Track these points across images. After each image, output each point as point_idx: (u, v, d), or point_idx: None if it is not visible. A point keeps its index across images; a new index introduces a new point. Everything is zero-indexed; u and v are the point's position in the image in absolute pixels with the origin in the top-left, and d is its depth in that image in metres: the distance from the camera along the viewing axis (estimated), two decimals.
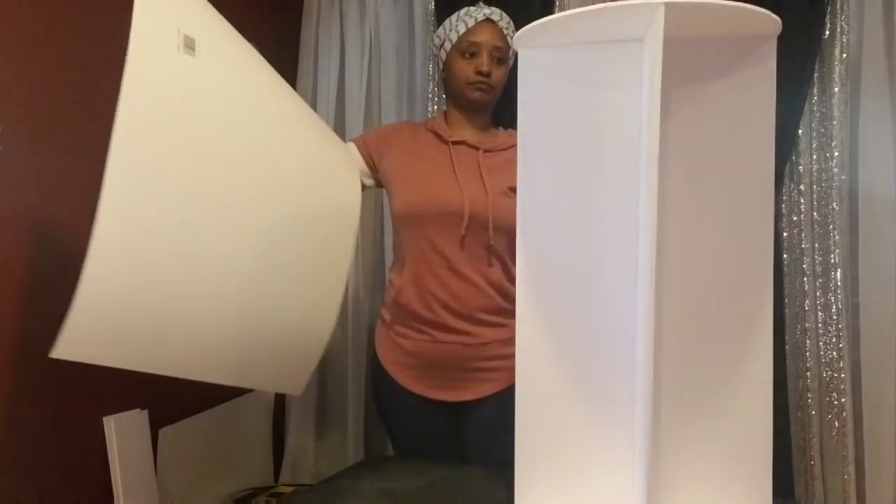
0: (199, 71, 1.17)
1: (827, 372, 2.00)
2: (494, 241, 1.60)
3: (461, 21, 1.67)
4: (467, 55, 1.65)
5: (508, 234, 1.61)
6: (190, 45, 1.16)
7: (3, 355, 1.42)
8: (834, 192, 1.99)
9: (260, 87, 1.34)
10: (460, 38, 1.65)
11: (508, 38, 1.67)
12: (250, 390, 2.20)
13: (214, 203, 1.17)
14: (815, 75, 2.01)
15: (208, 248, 1.17)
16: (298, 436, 2.40)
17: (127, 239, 1.06)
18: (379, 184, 1.76)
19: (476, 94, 1.66)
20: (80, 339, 1.09)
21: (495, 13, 1.68)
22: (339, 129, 2.41)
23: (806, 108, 2.00)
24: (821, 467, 2.01)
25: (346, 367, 2.37)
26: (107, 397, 1.66)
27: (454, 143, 1.68)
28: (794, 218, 2.04)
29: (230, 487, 2.08)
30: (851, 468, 1.98)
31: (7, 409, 1.43)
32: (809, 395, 2.02)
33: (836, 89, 1.99)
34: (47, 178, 1.52)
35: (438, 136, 1.71)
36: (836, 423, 1.99)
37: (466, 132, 1.71)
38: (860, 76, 1.97)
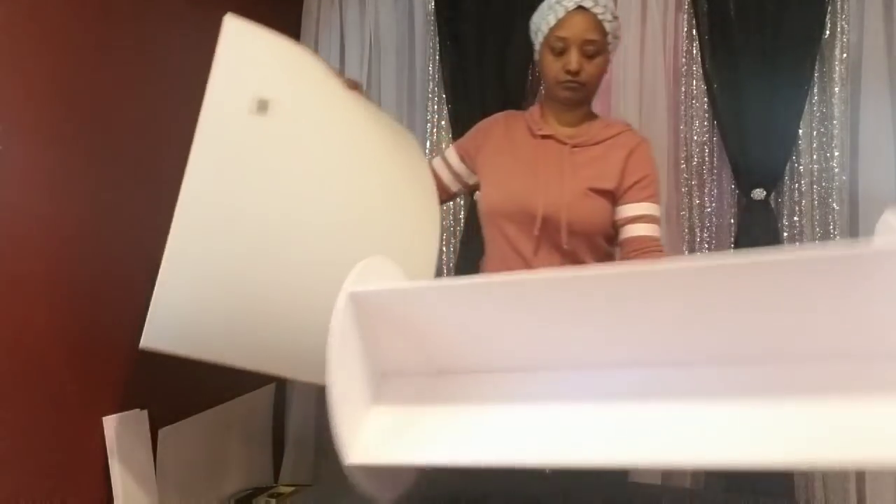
0: (268, 132, 1.27)
1: None
2: (568, 243, 1.52)
3: (551, 11, 1.53)
4: (556, 51, 1.53)
5: (585, 236, 1.55)
6: (263, 106, 1.26)
7: (3, 355, 1.42)
8: (834, 192, 1.99)
9: (339, 141, 1.42)
10: (549, 33, 1.53)
11: (605, 23, 1.52)
12: (250, 391, 2.20)
13: (287, 238, 1.30)
14: (815, 75, 2.00)
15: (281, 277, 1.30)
16: (298, 436, 2.40)
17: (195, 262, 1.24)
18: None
19: (565, 94, 1.56)
20: (162, 331, 1.26)
21: None
22: None
23: (806, 108, 2.00)
24: None
25: None
26: (107, 397, 1.66)
27: (543, 137, 1.60)
28: (794, 218, 2.04)
29: (230, 487, 2.08)
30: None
31: (7, 409, 1.43)
32: None
33: (836, 89, 1.99)
34: (47, 178, 1.52)
35: (530, 129, 1.63)
36: None
37: (559, 126, 1.62)
38: (860, 76, 1.97)
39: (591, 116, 1.64)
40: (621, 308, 0.97)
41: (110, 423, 1.63)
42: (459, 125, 2.19)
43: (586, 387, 1.00)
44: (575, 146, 1.58)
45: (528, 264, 1.55)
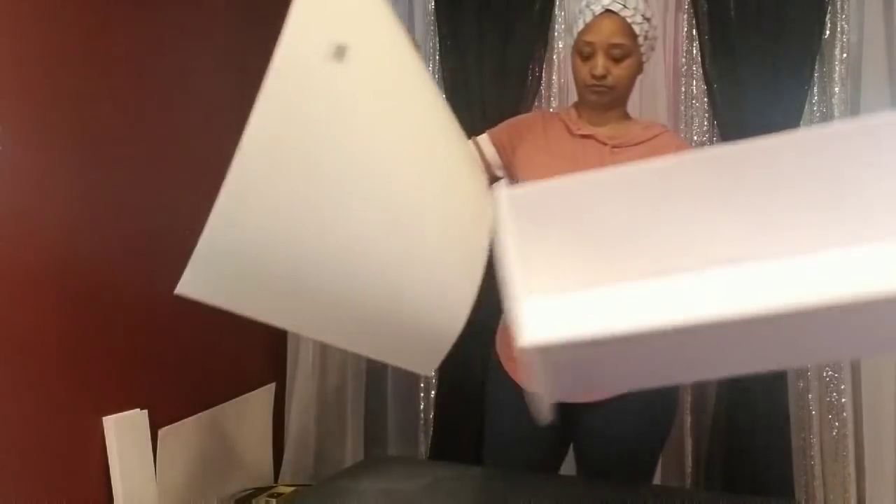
0: (341, 80, 1.20)
1: (827, 372, 2.00)
2: None
3: (581, 14, 1.55)
4: (584, 56, 1.53)
5: None
6: (341, 53, 1.18)
7: (2, 355, 1.42)
8: None
9: (408, 98, 1.36)
10: (578, 37, 1.54)
11: (634, 25, 1.52)
12: (250, 391, 2.20)
13: (346, 193, 1.22)
14: (815, 75, 2.01)
15: (338, 227, 1.23)
16: (298, 436, 2.40)
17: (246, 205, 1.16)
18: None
19: (592, 98, 1.56)
20: (203, 278, 1.19)
21: (616, 2, 1.51)
22: None
23: (806, 108, 2.00)
24: (821, 467, 2.01)
25: (345, 367, 2.37)
26: (107, 397, 1.66)
27: (582, 136, 1.60)
28: None
29: (230, 487, 2.08)
30: (851, 468, 1.98)
31: (7, 409, 1.43)
32: (809, 395, 2.02)
33: (836, 89, 1.99)
34: (46, 178, 1.52)
35: (568, 128, 1.62)
36: (836, 423, 1.99)
37: (597, 126, 1.61)
38: (860, 76, 1.97)
39: (626, 118, 1.64)
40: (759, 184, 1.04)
41: (110, 423, 1.63)
42: (459, 125, 2.18)
43: (733, 257, 1.07)
44: (615, 146, 1.57)
45: None
